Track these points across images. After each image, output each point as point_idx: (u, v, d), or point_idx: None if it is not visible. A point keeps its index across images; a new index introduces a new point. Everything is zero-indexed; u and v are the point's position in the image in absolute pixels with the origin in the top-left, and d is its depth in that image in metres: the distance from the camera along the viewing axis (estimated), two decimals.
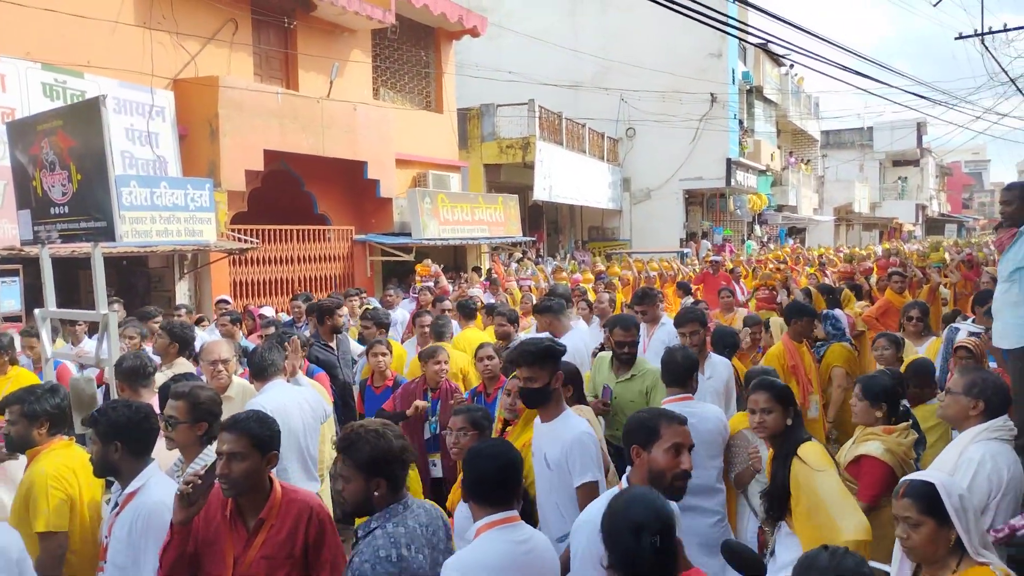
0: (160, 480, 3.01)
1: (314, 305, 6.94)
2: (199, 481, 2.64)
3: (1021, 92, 23.32)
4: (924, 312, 6.52)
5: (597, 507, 2.56)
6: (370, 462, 2.54)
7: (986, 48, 21.42)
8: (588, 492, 3.22)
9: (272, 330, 6.55)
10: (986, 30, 21.41)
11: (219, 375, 4.43)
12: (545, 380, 3.40)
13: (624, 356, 4.81)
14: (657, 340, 6.07)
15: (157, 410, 3.60)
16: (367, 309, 8.17)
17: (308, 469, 4.22)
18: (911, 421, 3.83)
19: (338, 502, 3.32)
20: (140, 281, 10.87)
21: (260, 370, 4.27)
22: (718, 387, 4.87)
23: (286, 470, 4.02)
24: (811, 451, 3.19)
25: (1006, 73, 22.72)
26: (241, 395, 4.48)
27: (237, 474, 2.69)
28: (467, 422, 3.43)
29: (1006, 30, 22.02)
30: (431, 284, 10.28)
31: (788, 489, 3.17)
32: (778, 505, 3.23)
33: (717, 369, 4.97)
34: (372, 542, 2.48)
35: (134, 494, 2.94)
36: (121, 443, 2.97)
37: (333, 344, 6.38)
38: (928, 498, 2.45)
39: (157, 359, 5.23)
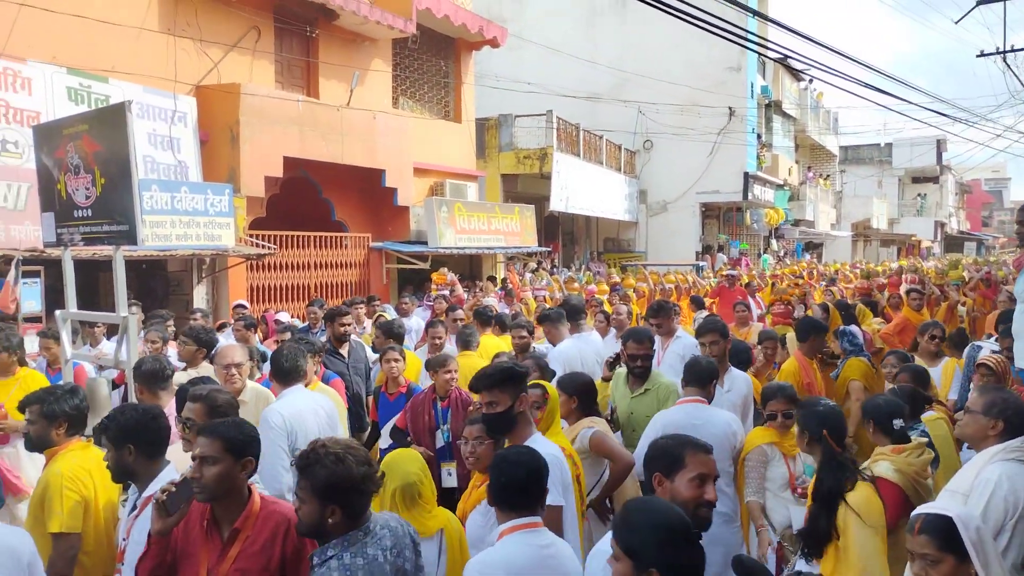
0: None
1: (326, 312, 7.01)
2: (174, 489, 2.59)
3: None
4: (943, 332, 6.49)
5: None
6: (326, 487, 2.41)
7: (1008, 66, 21.30)
8: (550, 516, 3.03)
9: (288, 335, 6.60)
10: (1008, 48, 21.30)
11: (232, 379, 4.46)
12: (507, 404, 3.27)
13: (637, 370, 4.75)
14: (672, 353, 6.06)
15: (174, 412, 3.64)
16: (379, 317, 8.21)
17: None
18: (927, 440, 3.77)
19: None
20: (159, 285, 10.98)
21: (285, 373, 4.27)
22: (736, 400, 4.87)
23: None
24: (864, 502, 3.08)
25: None
26: (255, 399, 4.51)
27: (209, 478, 2.62)
28: (483, 431, 3.40)
29: None
30: (446, 293, 10.32)
31: (829, 534, 3.10)
32: (815, 546, 3.16)
33: (736, 383, 4.98)
34: (327, 574, 2.38)
35: (152, 497, 2.97)
36: (134, 446, 3.00)
37: (344, 351, 6.42)
38: (946, 533, 2.35)
39: (179, 364, 5.29)
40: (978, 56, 21.85)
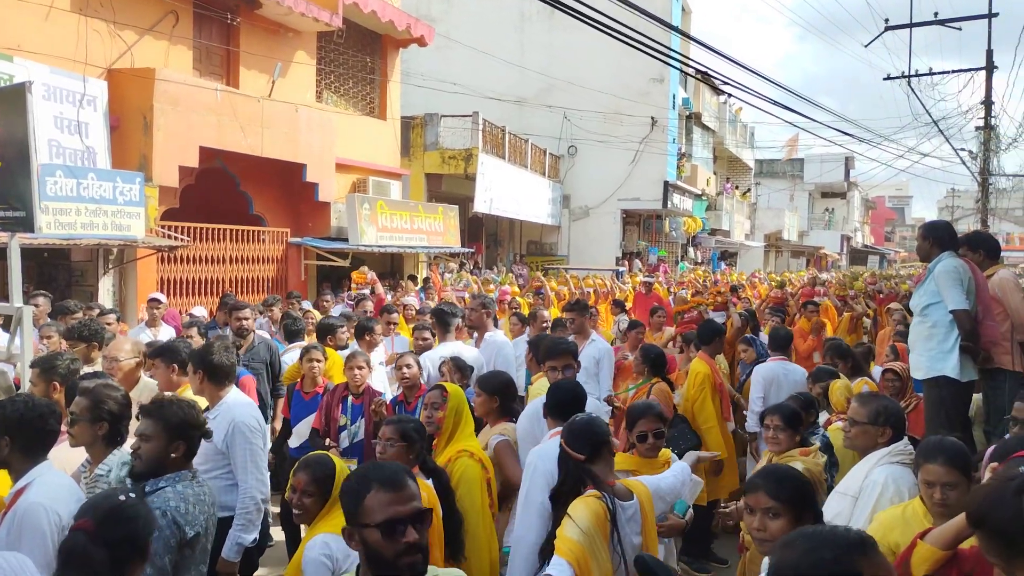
0: (47, 480, 2.88)
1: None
2: None
3: (943, 133, 24.56)
4: (842, 353, 6.24)
5: None
6: (179, 425, 2.90)
7: (912, 90, 22.53)
8: None
9: (194, 331, 6.39)
10: (913, 72, 22.54)
11: (112, 374, 4.26)
12: None
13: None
14: (587, 356, 6.14)
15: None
16: (284, 315, 8.05)
17: None
18: (819, 445, 4.02)
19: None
20: (61, 275, 10.49)
21: (227, 373, 3.99)
22: None
23: None
24: (577, 508, 2.89)
25: (929, 115, 23.91)
26: (147, 396, 4.34)
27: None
28: (396, 433, 3.41)
29: (931, 74, 23.22)
30: (367, 292, 10.18)
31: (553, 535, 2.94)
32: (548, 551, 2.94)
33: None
34: (163, 495, 2.77)
35: (21, 492, 2.85)
36: (11, 439, 2.89)
37: (242, 350, 6.31)
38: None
39: None
40: (885, 79, 23.05)
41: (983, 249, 5.18)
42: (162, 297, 8.56)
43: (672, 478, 3.38)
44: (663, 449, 3.76)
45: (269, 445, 5.98)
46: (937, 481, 2.83)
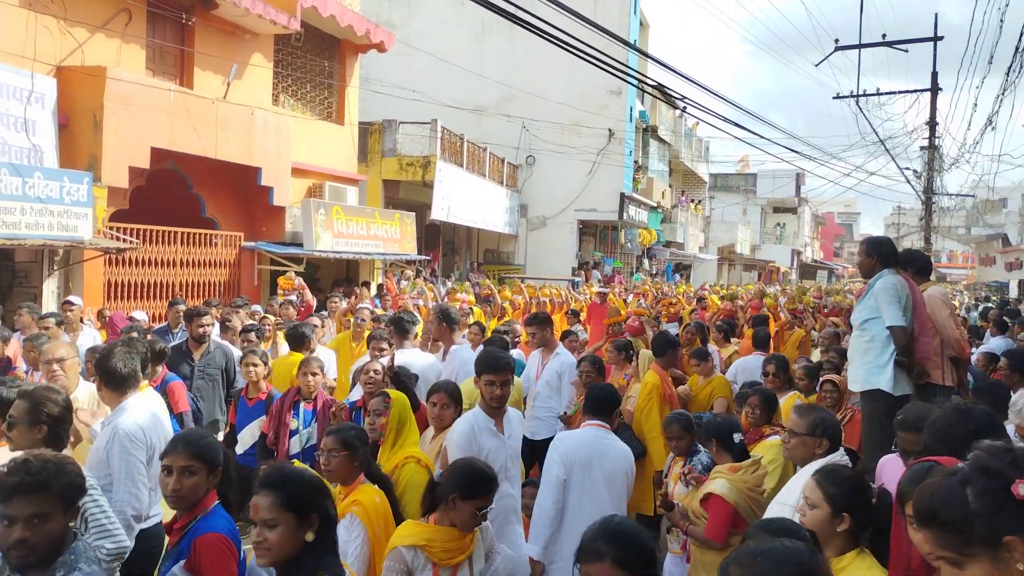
0: None
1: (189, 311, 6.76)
2: None
3: (889, 152, 25.32)
4: (781, 366, 6.13)
5: None
6: (75, 492, 2.53)
7: (860, 109, 23.20)
8: None
9: (135, 335, 6.22)
10: (861, 92, 23.24)
11: (55, 376, 4.14)
12: None
13: None
14: (550, 370, 6.17)
15: None
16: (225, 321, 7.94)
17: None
18: (761, 455, 4.05)
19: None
20: (4, 276, 10.20)
21: (123, 380, 3.80)
22: (516, 446, 4.12)
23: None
24: None
25: (876, 134, 24.64)
26: (90, 400, 4.25)
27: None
28: (337, 442, 3.30)
29: (879, 94, 23.96)
30: (293, 298, 10.04)
31: None
32: None
33: (513, 427, 4.09)
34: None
35: None
36: None
37: (197, 353, 6.23)
38: None
39: None
40: (834, 98, 23.73)
41: (913, 267, 5.36)
42: (76, 299, 8.32)
43: None
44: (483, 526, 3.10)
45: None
46: (803, 493, 2.80)
